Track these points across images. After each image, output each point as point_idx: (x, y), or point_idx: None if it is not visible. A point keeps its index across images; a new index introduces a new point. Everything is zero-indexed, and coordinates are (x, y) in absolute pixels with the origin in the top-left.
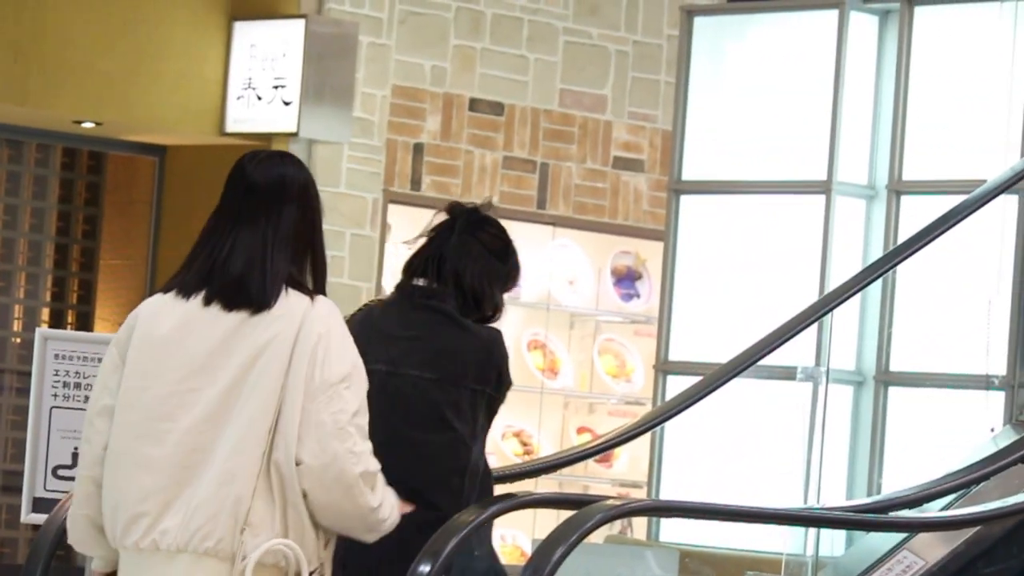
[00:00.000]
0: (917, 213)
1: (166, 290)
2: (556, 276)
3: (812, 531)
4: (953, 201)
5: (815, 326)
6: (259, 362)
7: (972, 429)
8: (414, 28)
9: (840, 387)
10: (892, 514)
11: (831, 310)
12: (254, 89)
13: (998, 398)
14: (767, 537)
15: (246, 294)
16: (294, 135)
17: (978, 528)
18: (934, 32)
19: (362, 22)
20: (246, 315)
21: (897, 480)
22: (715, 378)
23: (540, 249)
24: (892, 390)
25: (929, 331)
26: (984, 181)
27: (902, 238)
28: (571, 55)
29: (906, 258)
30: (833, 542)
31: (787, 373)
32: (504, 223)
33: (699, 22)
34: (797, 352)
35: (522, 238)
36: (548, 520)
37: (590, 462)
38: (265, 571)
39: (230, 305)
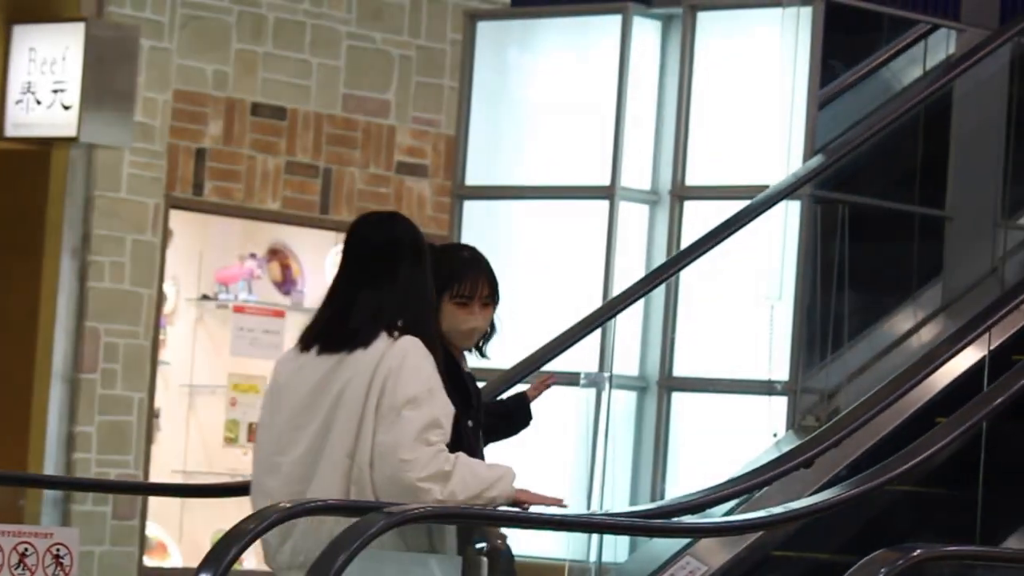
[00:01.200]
0: (700, 218)
1: (296, 344)
2: None
3: (595, 537)
4: (736, 207)
5: (598, 332)
6: (342, 398)
7: (755, 434)
8: (196, 32)
9: (624, 393)
10: (675, 520)
11: (614, 315)
12: (33, 93)
13: (781, 403)
14: (551, 544)
15: (348, 339)
16: (74, 140)
17: (760, 533)
18: (717, 38)
19: (143, 26)
20: (342, 356)
21: (681, 485)
22: (499, 383)
23: (323, 255)
24: (676, 396)
25: (713, 337)
26: (767, 187)
27: (685, 243)
28: (354, 60)
29: (689, 263)
30: (616, 548)
31: (571, 379)
32: (286, 229)
33: (482, 27)
34: (581, 358)
35: (305, 244)
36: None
37: None
38: None
39: (331, 348)
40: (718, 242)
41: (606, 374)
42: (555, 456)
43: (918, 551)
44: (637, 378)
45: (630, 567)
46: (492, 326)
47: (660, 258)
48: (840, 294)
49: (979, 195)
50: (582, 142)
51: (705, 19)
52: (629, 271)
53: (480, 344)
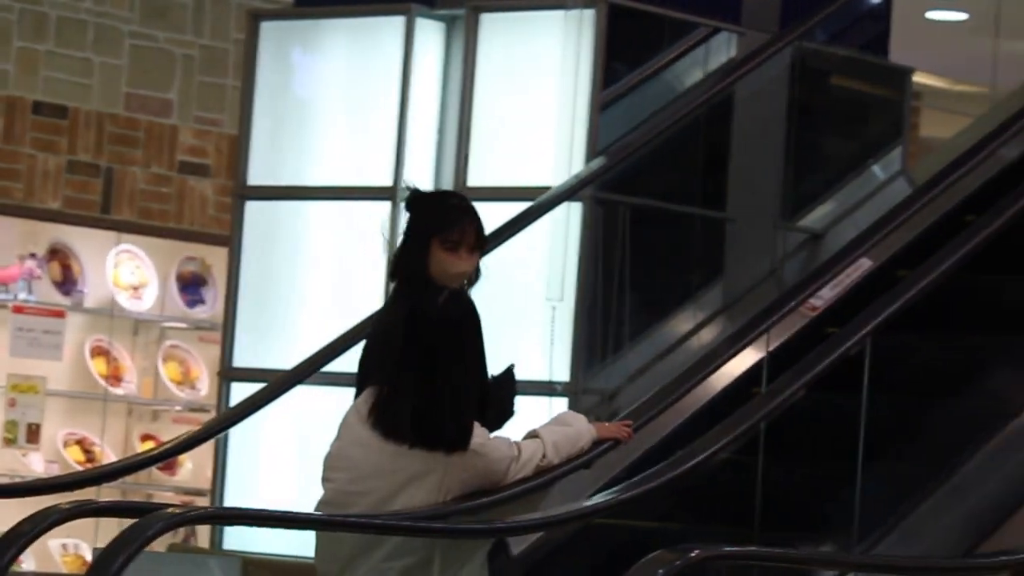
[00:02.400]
0: (482, 219)
1: None
2: (120, 282)
3: None
4: (518, 208)
5: None
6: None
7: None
8: None
9: None
10: (448, 521)
11: None
12: None
13: (562, 404)
14: None
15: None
16: None
17: (540, 534)
18: (500, 40)
19: None
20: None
21: None
22: (279, 385)
23: (104, 255)
24: None
25: (494, 338)
26: (549, 188)
27: None
28: (137, 58)
29: None
30: None
31: (351, 380)
32: (67, 229)
33: (266, 27)
34: None
35: (86, 244)
36: (111, 529)
37: (153, 470)
38: None
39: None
40: (500, 243)
41: None
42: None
43: (696, 552)
44: None
45: None
46: (478, 270)
47: None
48: (621, 295)
49: (759, 197)
50: (366, 143)
51: (488, 21)
52: None
53: (464, 286)
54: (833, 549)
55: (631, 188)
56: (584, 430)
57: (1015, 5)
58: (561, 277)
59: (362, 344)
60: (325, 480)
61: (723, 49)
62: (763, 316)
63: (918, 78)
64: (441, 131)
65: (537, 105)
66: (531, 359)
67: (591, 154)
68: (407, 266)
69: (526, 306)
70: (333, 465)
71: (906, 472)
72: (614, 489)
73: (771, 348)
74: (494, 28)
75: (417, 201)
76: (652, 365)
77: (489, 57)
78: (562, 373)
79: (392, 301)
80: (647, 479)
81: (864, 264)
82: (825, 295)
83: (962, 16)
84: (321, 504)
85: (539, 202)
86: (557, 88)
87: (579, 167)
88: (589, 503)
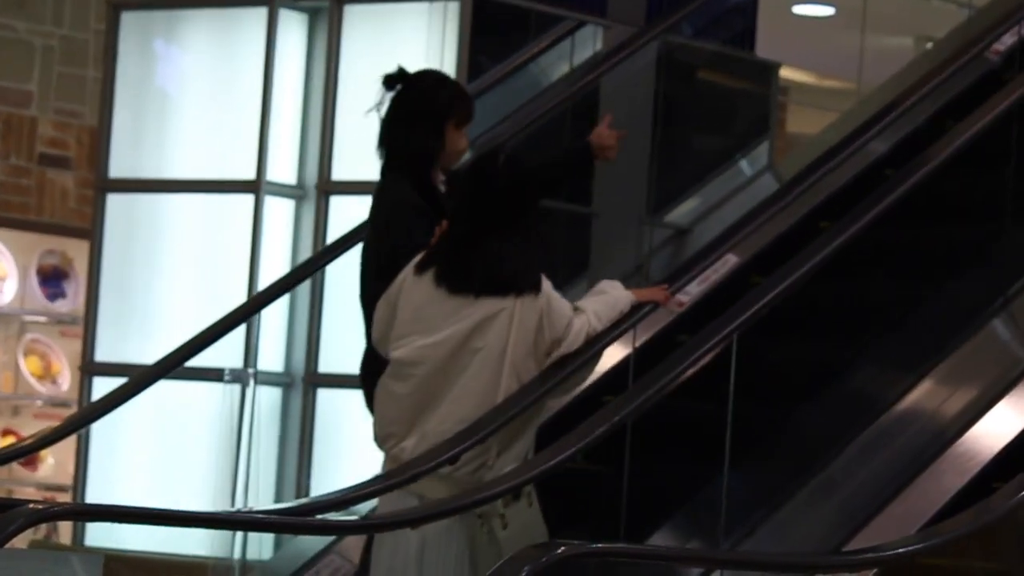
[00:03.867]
0: (346, 214)
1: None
2: None
3: (239, 534)
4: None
5: (243, 327)
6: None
7: None
8: None
9: (269, 389)
10: (319, 517)
11: (258, 311)
12: None
13: None
14: (195, 541)
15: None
16: None
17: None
18: (364, 32)
19: None
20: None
21: (327, 482)
22: (141, 379)
23: None
24: (321, 392)
25: (358, 333)
26: None
27: (331, 238)
28: None
29: (334, 258)
30: (261, 545)
31: (215, 374)
32: None
33: (127, 17)
34: (226, 353)
35: None
36: None
37: (14, 465)
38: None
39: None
40: (363, 237)
41: (251, 370)
42: (200, 453)
43: (562, 548)
44: (282, 374)
45: (275, 564)
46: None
47: (306, 253)
48: None
49: (625, 193)
50: (228, 136)
51: (352, 13)
52: (275, 266)
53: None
54: (700, 546)
55: None
56: (622, 295)
57: (881, 1)
58: None
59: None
60: (395, 346)
61: (589, 42)
62: (629, 313)
63: (785, 73)
64: (305, 124)
65: None
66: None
67: None
68: (418, 145)
69: None
70: (401, 332)
71: (777, 469)
72: (471, 491)
73: (637, 344)
74: (358, 20)
75: (422, 80)
76: None
77: (353, 49)
78: None
79: (393, 180)
80: (499, 482)
81: (731, 260)
82: (692, 291)
83: (829, 11)
84: (394, 363)
85: None
86: None
87: None
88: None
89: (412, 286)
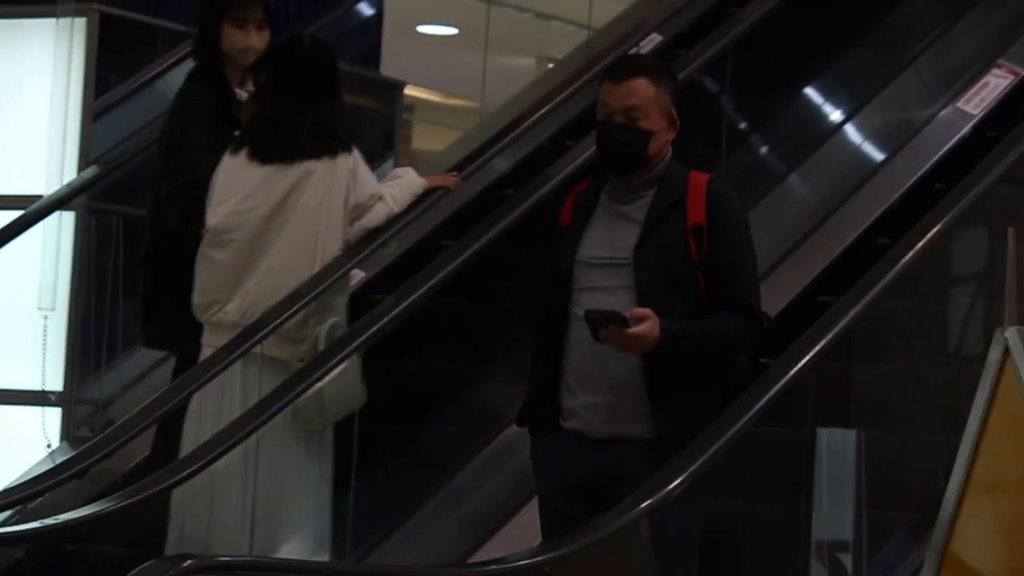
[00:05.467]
0: None
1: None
2: None
3: None
4: (9, 217)
5: None
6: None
7: (30, 445)
8: None
9: None
10: None
11: None
12: None
13: (55, 415)
14: None
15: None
16: None
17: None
18: None
19: None
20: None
21: None
22: None
23: None
24: None
25: None
26: (40, 197)
27: None
28: None
29: None
30: None
31: None
32: None
33: None
34: None
35: None
36: None
37: None
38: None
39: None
40: None
41: None
42: None
43: (189, 562)
44: None
45: None
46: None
47: None
48: (115, 305)
49: None
50: None
51: None
52: None
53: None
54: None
55: (125, 198)
56: (415, 180)
57: (503, 22)
58: (53, 286)
59: None
60: (211, 215)
61: None
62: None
63: (410, 91)
64: None
65: (28, 113)
66: (24, 369)
67: (83, 163)
68: (197, 45)
69: (18, 316)
70: (218, 200)
71: (404, 481)
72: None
73: None
74: None
75: None
76: (148, 374)
77: None
78: (56, 383)
79: (197, 80)
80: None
81: (359, 275)
82: None
83: (453, 31)
84: (211, 232)
85: (30, 211)
86: (49, 97)
87: (71, 176)
88: (81, 512)
89: (227, 165)
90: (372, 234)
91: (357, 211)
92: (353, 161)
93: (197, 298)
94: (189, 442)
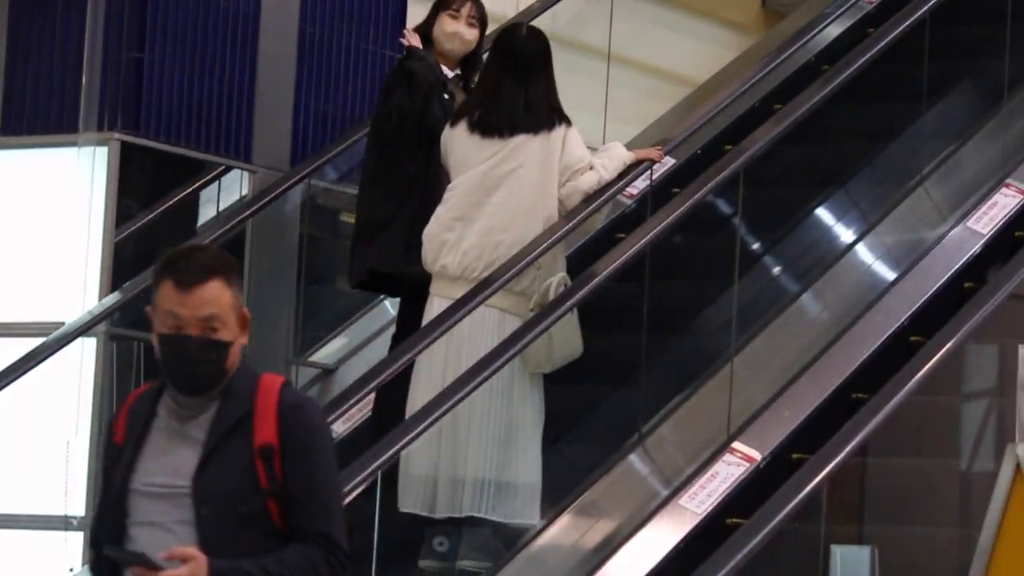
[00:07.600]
0: None
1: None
2: None
3: None
4: (31, 344)
5: None
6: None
7: (52, 570)
8: None
9: None
10: None
11: None
12: None
13: (77, 538)
14: None
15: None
16: None
17: None
18: (12, 174)
19: None
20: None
21: None
22: None
23: None
24: None
25: (7, 474)
26: (63, 324)
27: None
28: None
29: None
30: None
31: None
32: None
33: None
34: None
35: None
36: None
37: None
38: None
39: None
40: (13, 380)
41: None
42: None
43: None
44: None
45: None
46: (478, 55)
47: None
48: None
49: (272, 333)
50: None
51: (1, 156)
52: None
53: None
54: None
55: (145, 324)
56: (623, 152)
57: None
58: (76, 412)
59: None
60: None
61: (236, 186)
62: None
63: None
64: None
65: (51, 240)
66: (47, 495)
67: (105, 290)
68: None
69: (41, 442)
70: (454, 185)
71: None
72: None
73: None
74: (7, 162)
75: None
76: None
77: (2, 191)
78: (78, 508)
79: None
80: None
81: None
82: (337, 429)
83: None
84: (450, 194)
85: (52, 339)
86: (71, 224)
87: (93, 303)
88: None
89: (449, 138)
90: (588, 200)
91: (566, 172)
92: (565, 131)
93: (426, 254)
94: (420, 391)
